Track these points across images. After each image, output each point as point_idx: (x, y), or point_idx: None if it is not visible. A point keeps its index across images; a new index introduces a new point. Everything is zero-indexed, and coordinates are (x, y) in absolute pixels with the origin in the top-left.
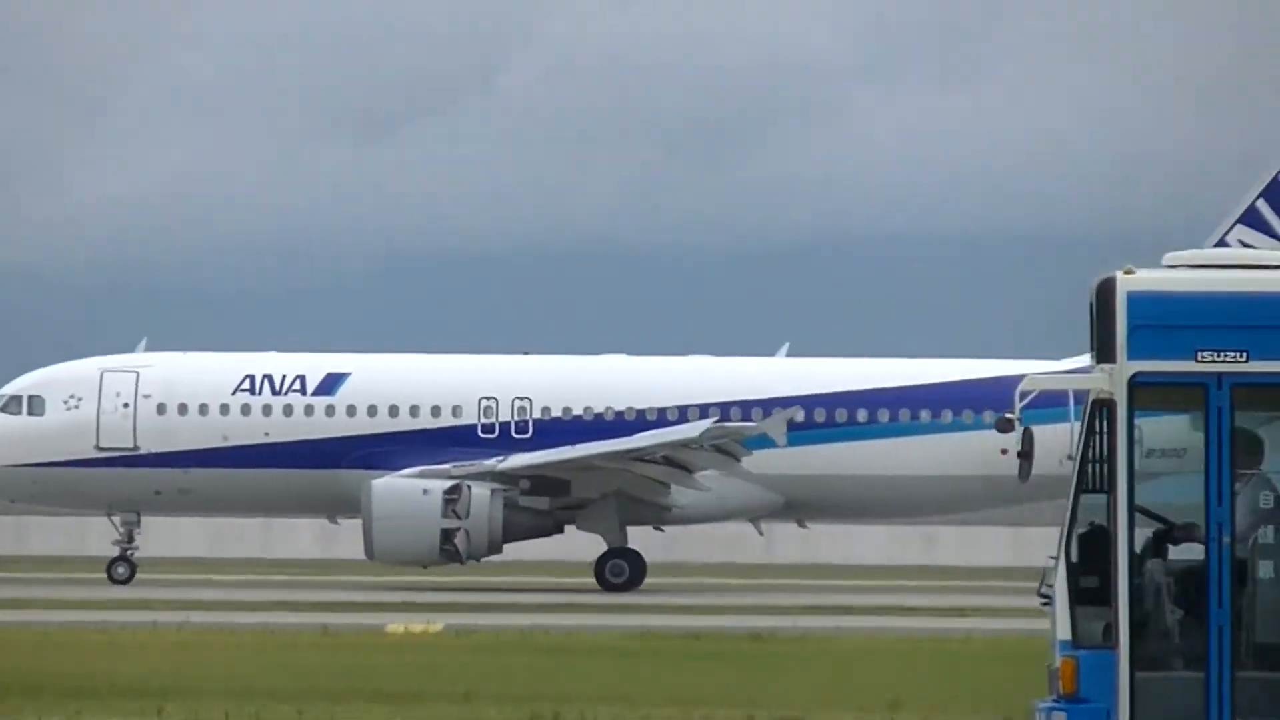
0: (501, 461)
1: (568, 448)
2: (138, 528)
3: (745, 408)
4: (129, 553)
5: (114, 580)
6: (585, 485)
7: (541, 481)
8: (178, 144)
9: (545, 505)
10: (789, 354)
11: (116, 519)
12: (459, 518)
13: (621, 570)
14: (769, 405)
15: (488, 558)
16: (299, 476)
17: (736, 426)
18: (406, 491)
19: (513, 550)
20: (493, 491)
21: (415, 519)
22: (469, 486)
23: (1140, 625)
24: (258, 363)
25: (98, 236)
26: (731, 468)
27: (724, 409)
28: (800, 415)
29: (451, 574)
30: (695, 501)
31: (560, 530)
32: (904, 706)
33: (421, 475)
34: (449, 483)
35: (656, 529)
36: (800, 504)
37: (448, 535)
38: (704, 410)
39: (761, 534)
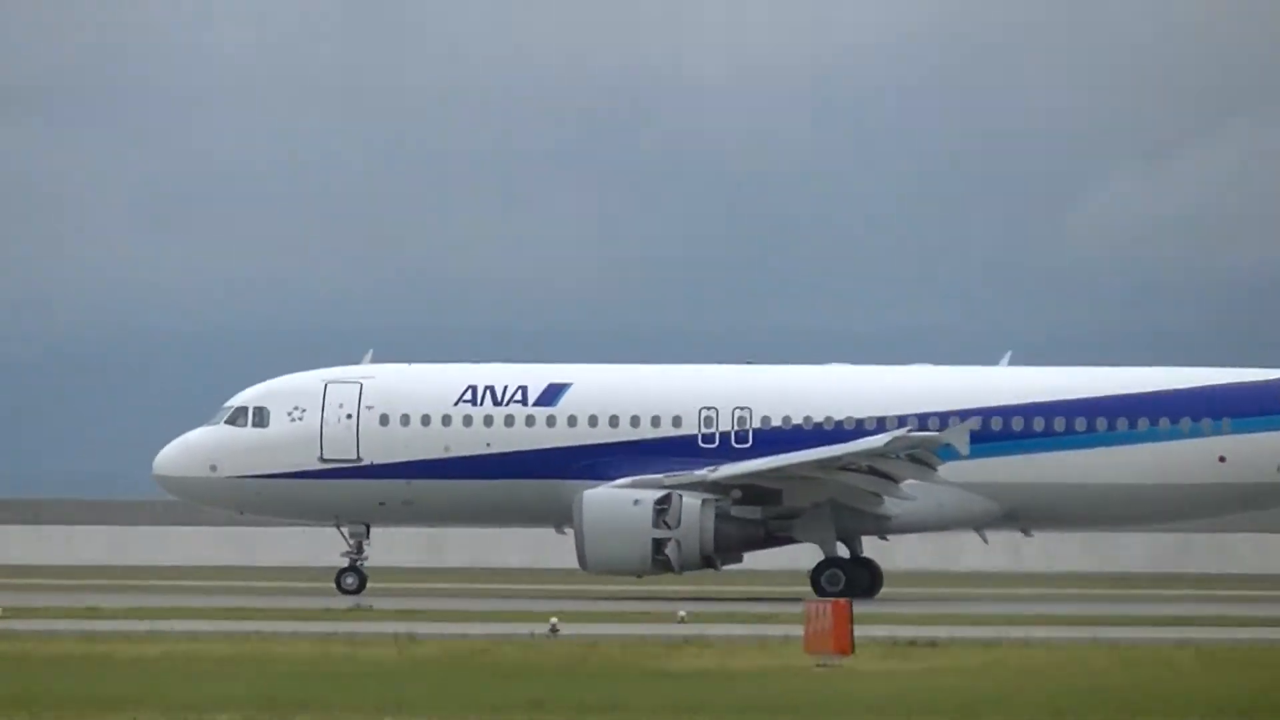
0: (713, 471)
1: (769, 458)
2: (366, 539)
3: (964, 417)
4: (358, 563)
5: (343, 590)
6: (796, 495)
7: (753, 491)
8: None
9: (757, 515)
10: (1010, 362)
11: (345, 530)
12: (669, 528)
13: (838, 579)
14: (988, 414)
15: (729, 566)
16: (520, 487)
17: (920, 436)
18: (618, 502)
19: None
20: (704, 501)
21: (626, 529)
22: (680, 496)
23: None
24: (480, 374)
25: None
26: (929, 477)
27: (943, 418)
28: (977, 425)
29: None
30: (914, 511)
31: (773, 541)
32: None
33: (634, 485)
34: (660, 493)
35: (881, 538)
36: (1020, 513)
37: (659, 545)
38: (923, 420)
39: (986, 542)
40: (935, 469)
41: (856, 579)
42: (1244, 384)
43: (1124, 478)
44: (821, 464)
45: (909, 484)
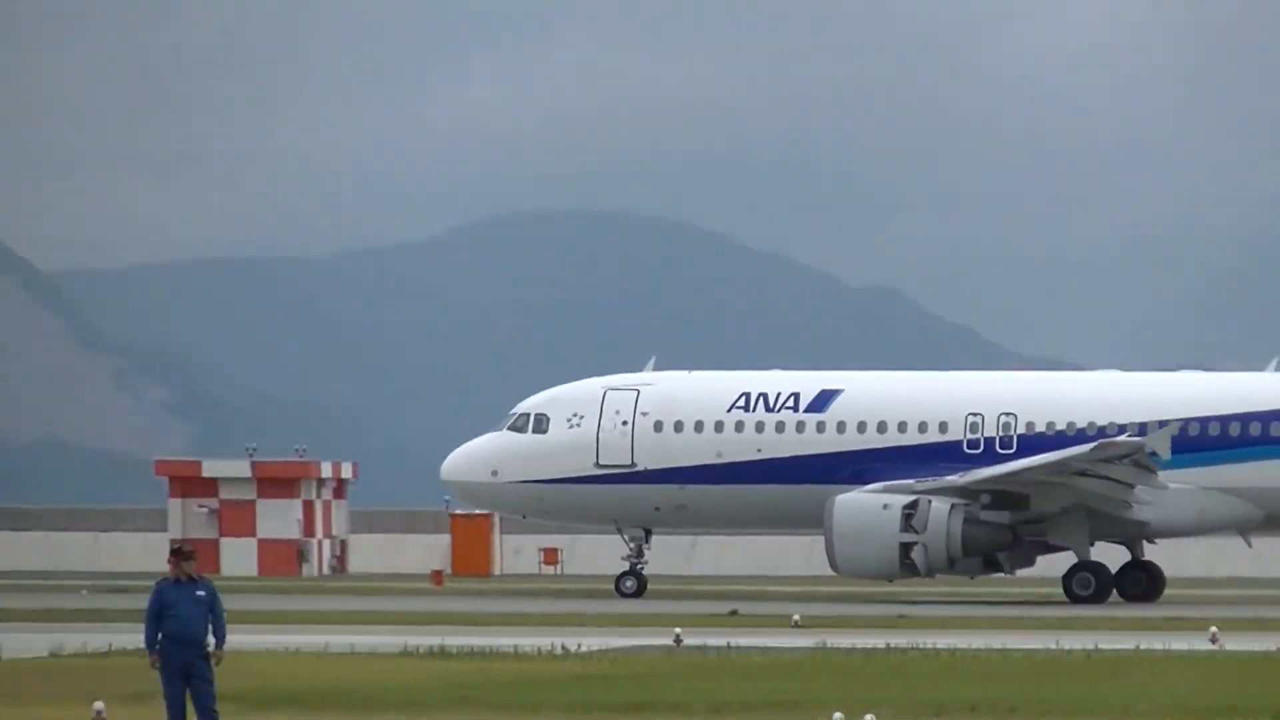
0: (963, 477)
1: (1005, 464)
2: (646, 543)
3: (1224, 422)
4: (638, 567)
5: (622, 594)
6: (1043, 499)
7: (1001, 496)
8: None
9: (1005, 519)
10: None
11: (625, 534)
12: (916, 532)
13: (1088, 583)
14: (1247, 420)
15: (1022, 569)
16: (790, 492)
17: (1123, 441)
18: (867, 507)
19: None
20: (952, 506)
21: (874, 534)
22: (929, 501)
23: None
24: (755, 381)
25: None
26: (1151, 481)
27: (1203, 423)
28: (1175, 430)
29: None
30: (1171, 515)
31: (1019, 544)
32: None
33: (885, 491)
34: (909, 498)
35: (1150, 542)
36: None
37: (906, 549)
38: (1204, 424)
39: (1250, 546)
40: (1154, 474)
41: (1132, 582)
42: None
43: None
44: (1045, 469)
45: (1183, 489)
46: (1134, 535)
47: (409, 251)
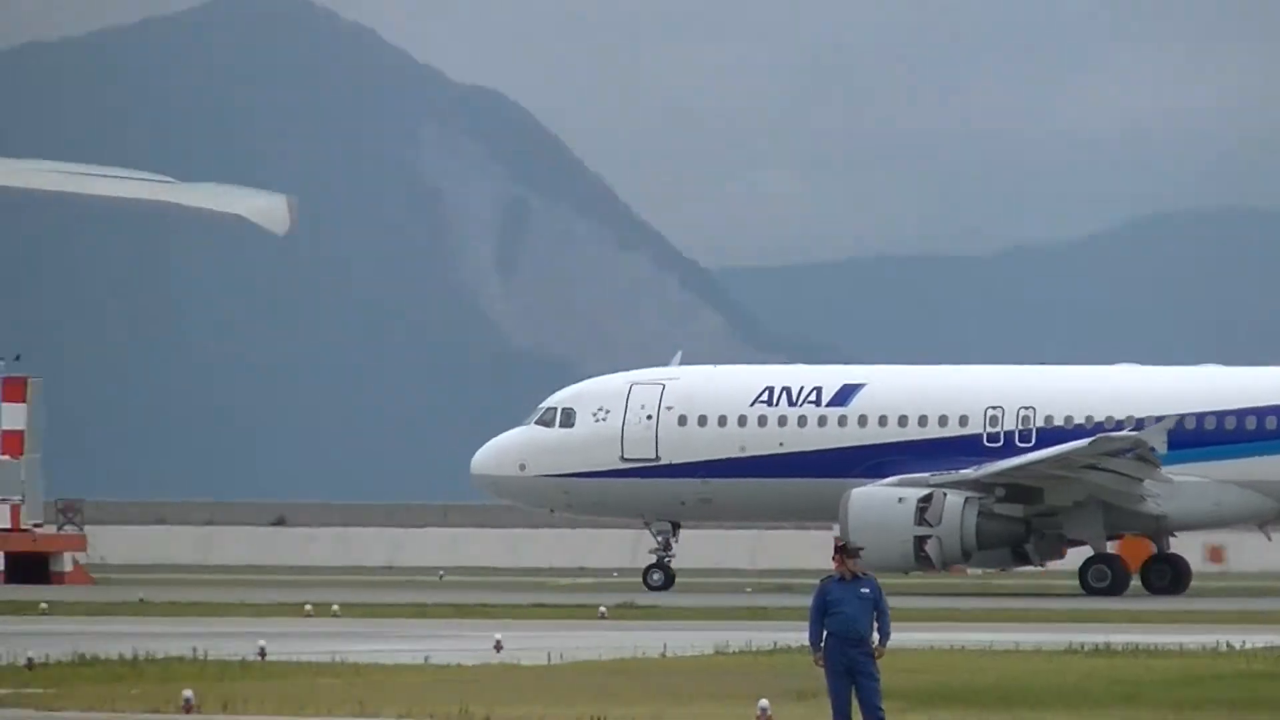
0: (978, 470)
1: (1013, 458)
2: (674, 536)
3: (1240, 416)
4: (666, 560)
5: (650, 587)
6: (1057, 493)
7: (1015, 489)
8: None
9: (1019, 513)
10: None
11: (652, 528)
12: (931, 525)
13: (1104, 575)
14: (1263, 414)
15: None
16: (812, 485)
17: (1119, 436)
18: (882, 500)
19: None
20: (966, 499)
21: (889, 526)
22: (944, 495)
23: None
24: (778, 375)
25: None
26: (1154, 475)
27: (1219, 417)
28: (1171, 425)
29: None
30: (1187, 508)
31: (1041, 537)
32: None
33: (900, 484)
34: (924, 491)
35: (1170, 535)
36: None
37: (920, 542)
38: (1200, 418)
39: (1270, 539)
40: (1157, 467)
41: (1157, 575)
42: None
43: None
44: (1048, 463)
45: (1197, 482)
46: (1151, 529)
47: (1075, 250)
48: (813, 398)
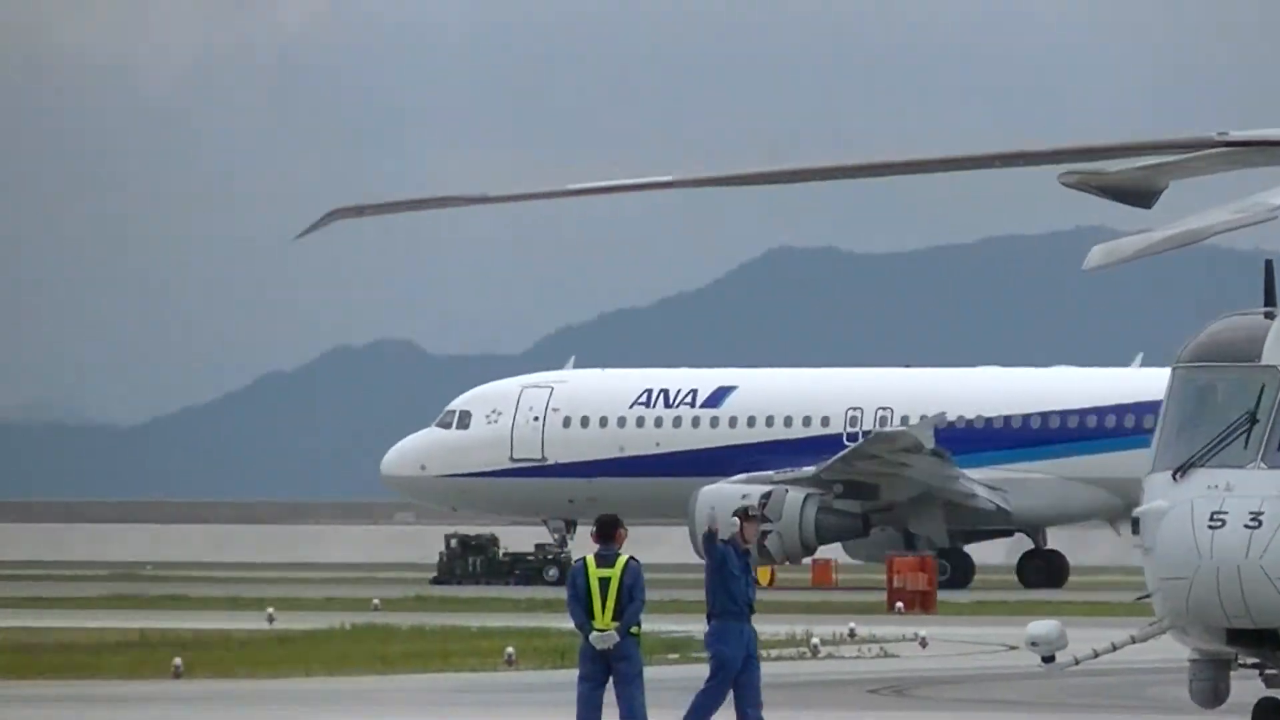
0: (818, 467)
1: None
2: (570, 534)
3: (1101, 414)
4: (560, 556)
5: (547, 583)
6: (891, 489)
7: (852, 485)
8: None
9: (857, 508)
10: (1143, 364)
11: (549, 525)
12: (770, 521)
13: (944, 569)
14: (1103, 413)
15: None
16: (688, 484)
17: (891, 432)
18: (726, 497)
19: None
20: (807, 496)
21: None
22: (785, 491)
23: None
24: (658, 378)
25: None
26: (949, 470)
27: (1082, 416)
28: (939, 421)
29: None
30: (1032, 505)
31: (868, 532)
32: None
33: (746, 481)
34: (767, 488)
35: (1020, 533)
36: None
37: (761, 537)
38: (1063, 418)
39: (1119, 535)
40: (950, 463)
41: (1033, 570)
42: None
43: None
44: (845, 459)
45: (1046, 480)
46: (995, 525)
47: None
48: (688, 400)
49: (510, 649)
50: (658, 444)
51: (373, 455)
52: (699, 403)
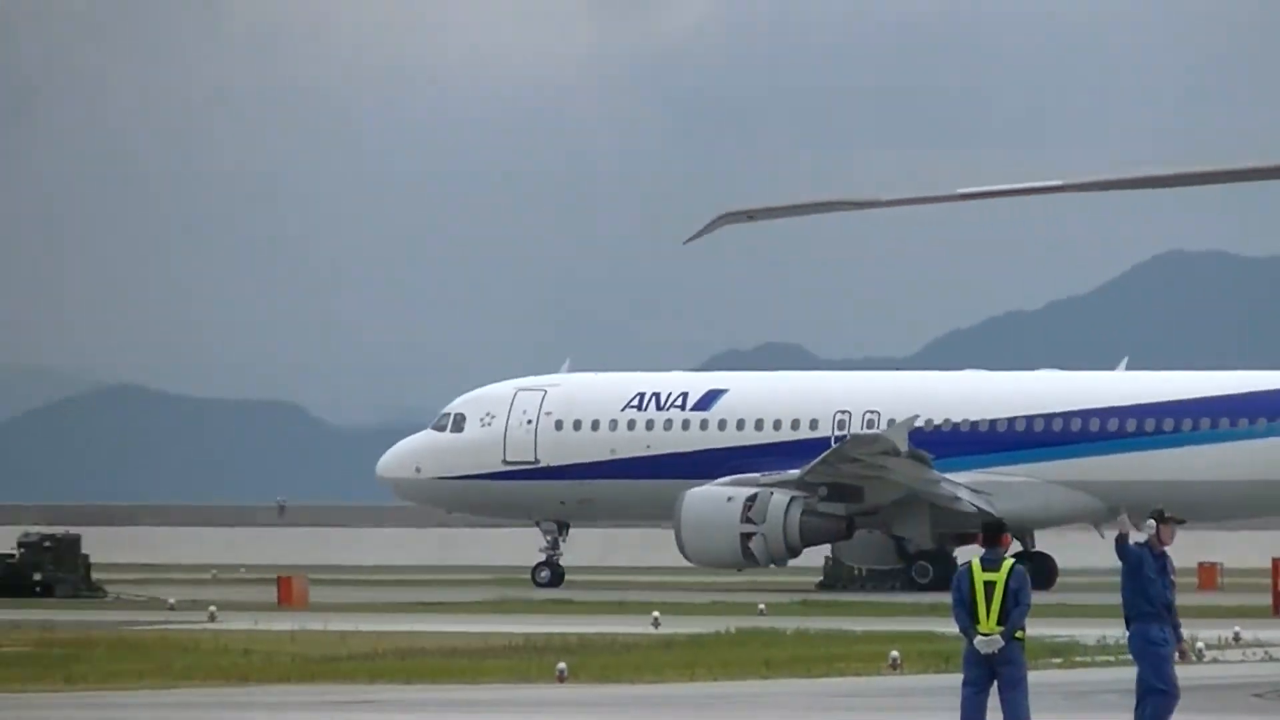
0: (803, 470)
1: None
2: (562, 536)
3: (1085, 417)
4: (554, 558)
5: (537, 584)
6: (874, 492)
7: (836, 488)
8: None
9: (841, 511)
10: (1128, 367)
11: (541, 526)
12: (755, 523)
13: (926, 571)
14: (1087, 416)
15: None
16: (678, 486)
17: (865, 435)
18: (712, 499)
19: None
20: (791, 498)
21: (717, 524)
22: (770, 493)
23: None
24: (650, 381)
25: None
26: (926, 473)
27: (1066, 419)
28: (912, 425)
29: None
30: (1016, 507)
31: (852, 535)
32: None
33: (733, 484)
34: (752, 490)
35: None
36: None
37: (746, 539)
38: (1048, 420)
39: (1103, 537)
40: (928, 465)
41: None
42: None
43: (1203, 475)
44: (825, 461)
45: (1030, 483)
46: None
47: None
48: (679, 403)
49: (895, 653)
50: (648, 446)
51: None
52: (689, 406)
